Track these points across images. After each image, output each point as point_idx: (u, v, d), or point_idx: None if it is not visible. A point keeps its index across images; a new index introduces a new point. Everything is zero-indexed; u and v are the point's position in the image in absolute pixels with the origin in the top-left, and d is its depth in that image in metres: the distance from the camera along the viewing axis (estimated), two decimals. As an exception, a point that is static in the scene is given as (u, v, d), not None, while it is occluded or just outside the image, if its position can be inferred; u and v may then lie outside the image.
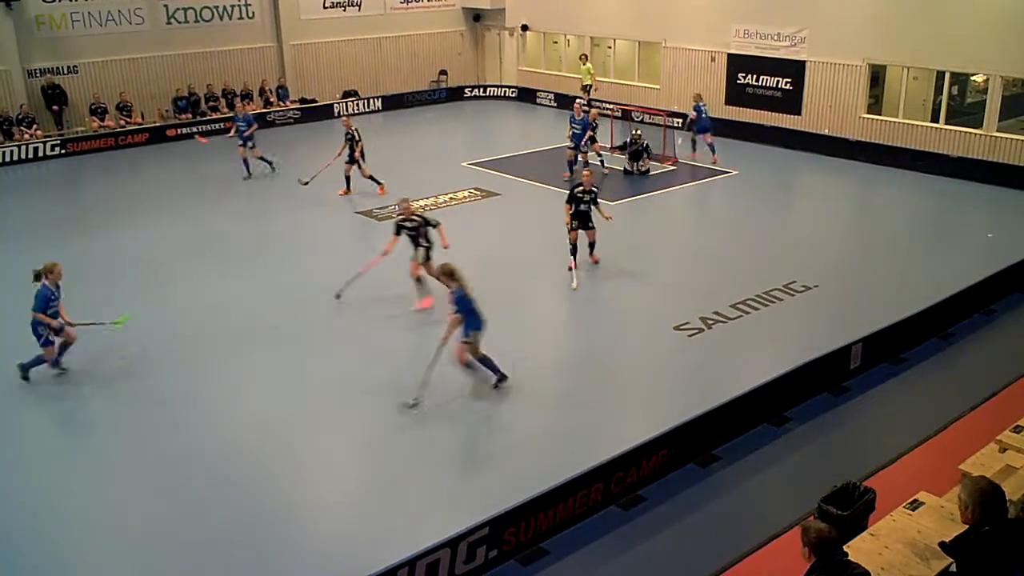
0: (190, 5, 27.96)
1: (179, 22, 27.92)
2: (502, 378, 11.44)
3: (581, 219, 15.30)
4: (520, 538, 8.36)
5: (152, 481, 9.71)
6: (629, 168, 22.19)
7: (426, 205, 19.52)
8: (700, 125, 22.94)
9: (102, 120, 26.32)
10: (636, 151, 22.10)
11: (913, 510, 7.12)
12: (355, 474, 10.06)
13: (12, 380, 11.87)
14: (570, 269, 15.12)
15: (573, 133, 21.20)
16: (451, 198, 20.16)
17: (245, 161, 21.91)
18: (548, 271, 15.49)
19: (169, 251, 17.10)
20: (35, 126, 25.48)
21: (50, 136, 25.57)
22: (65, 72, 26.36)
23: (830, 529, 5.58)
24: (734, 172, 22.06)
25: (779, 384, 10.64)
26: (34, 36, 25.71)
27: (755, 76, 25.91)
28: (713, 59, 26.78)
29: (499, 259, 15.85)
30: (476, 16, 34.22)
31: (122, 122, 26.72)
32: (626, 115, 26.07)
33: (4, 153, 24.43)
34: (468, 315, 11.06)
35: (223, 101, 28.58)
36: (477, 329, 11.15)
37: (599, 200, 15.41)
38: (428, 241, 13.89)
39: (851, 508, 7.52)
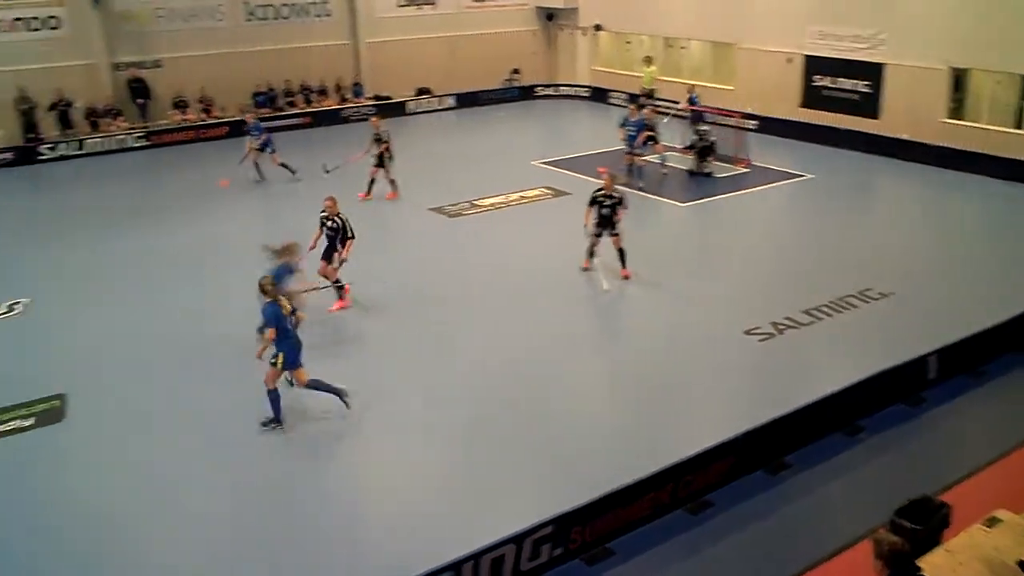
0: (269, 3, 28.63)
1: (259, 19, 28.60)
2: (341, 395, 10.85)
3: (604, 224, 14.93)
4: (586, 537, 8.39)
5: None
6: (695, 169, 22.03)
7: (496, 203, 19.70)
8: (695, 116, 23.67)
9: (184, 113, 27.07)
10: (703, 149, 21.92)
11: (990, 527, 6.97)
12: (424, 467, 10.19)
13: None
14: (585, 269, 15.11)
15: (628, 136, 20.93)
16: (521, 196, 20.26)
17: (257, 165, 21.96)
18: (619, 270, 15.46)
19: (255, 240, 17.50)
20: (120, 118, 26.30)
21: (134, 128, 26.37)
22: (149, 66, 27.17)
23: (903, 542, 5.51)
24: (809, 176, 21.73)
25: (852, 392, 10.48)
26: (120, 31, 26.57)
27: (832, 78, 25.48)
28: (789, 60, 26.41)
29: (566, 257, 15.85)
30: (549, 15, 34.26)
31: (203, 116, 27.43)
32: (697, 116, 25.82)
33: (92, 144, 25.30)
34: (278, 334, 10.31)
35: (300, 97, 29.15)
36: (283, 352, 10.37)
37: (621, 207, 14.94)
38: (341, 245, 13.73)
39: (925, 522, 7.39)
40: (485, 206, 19.55)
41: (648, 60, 28.89)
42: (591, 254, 15.14)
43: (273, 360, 10.40)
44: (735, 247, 17.26)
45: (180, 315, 14.10)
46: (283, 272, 11.84)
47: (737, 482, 9.43)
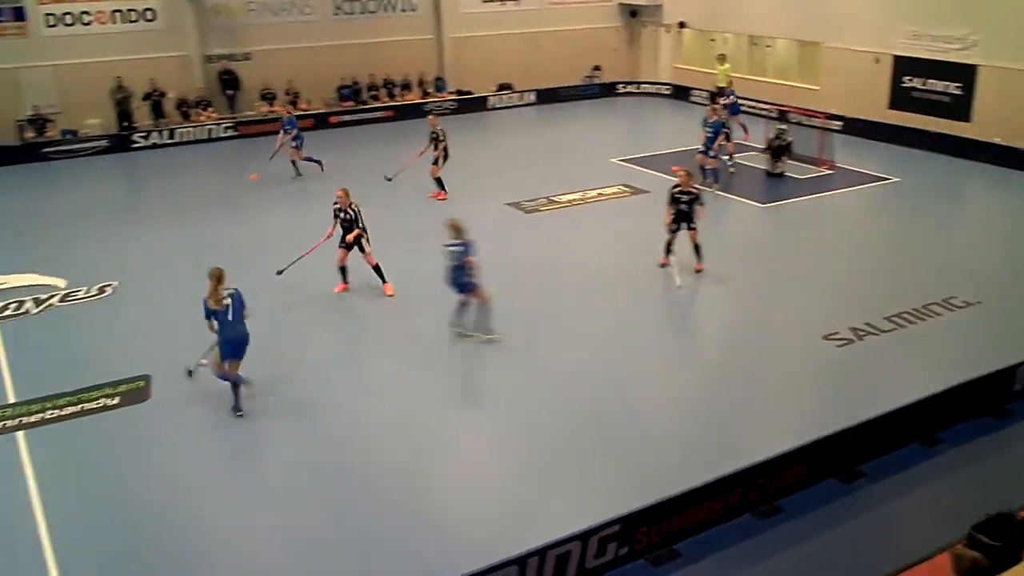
0: (357, -3, 29.14)
1: (346, 13, 29.09)
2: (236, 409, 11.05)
3: (681, 219, 15.00)
4: (653, 537, 8.39)
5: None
6: (770, 169, 21.74)
7: (573, 199, 19.71)
8: (734, 108, 24.14)
9: (271, 105, 27.67)
10: (779, 148, 21.60)
11: (1073, 546, 6.74)
12: (494, 460, 10.30)
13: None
14: (662, 265, 15.14)
15: (707, 137, 20.58)
16: (599, 193, 20.23)
17: (293, 163, 22.21)
18: (693, 264, 15.35)
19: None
20: (210, 109, 27.05)
21: (223, 119, 27.11)
22: (239, 59, 27.88)
23: (985, 558, 5.38)
24: (894, 179, 21.21)
25: (933, 402, 10.23)
26: (213, 23, 27.32)
27: (921, 79, 24.79)
28: (877, 60, 25.78)
29: (643, 255, 15.77)
30: (633, 12, 34.08)
31: (289, 108, 27.99)
32: (781, 115, 25.43)
33: (182, 133, 26.12)
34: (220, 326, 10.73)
35: (384, 91, 29.59)
36: (219, 345, 10.78)
37: (699, 203, 15.03)
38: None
39: (1005, 539, 7.19)
40: (562, 202, 19.58)
41: (721, 58, 28.49)
42: (668, 251, 15.16)
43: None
44: (815, 250, 16.94)
45: (266, 306, 14.42)
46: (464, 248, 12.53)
47: (809, 489, 9.30)
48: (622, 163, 22.95)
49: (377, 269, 14.61)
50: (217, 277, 10.70)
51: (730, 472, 8.72)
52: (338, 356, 12.86)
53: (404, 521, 8.99)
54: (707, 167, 20.43)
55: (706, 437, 10.48)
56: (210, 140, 26.44)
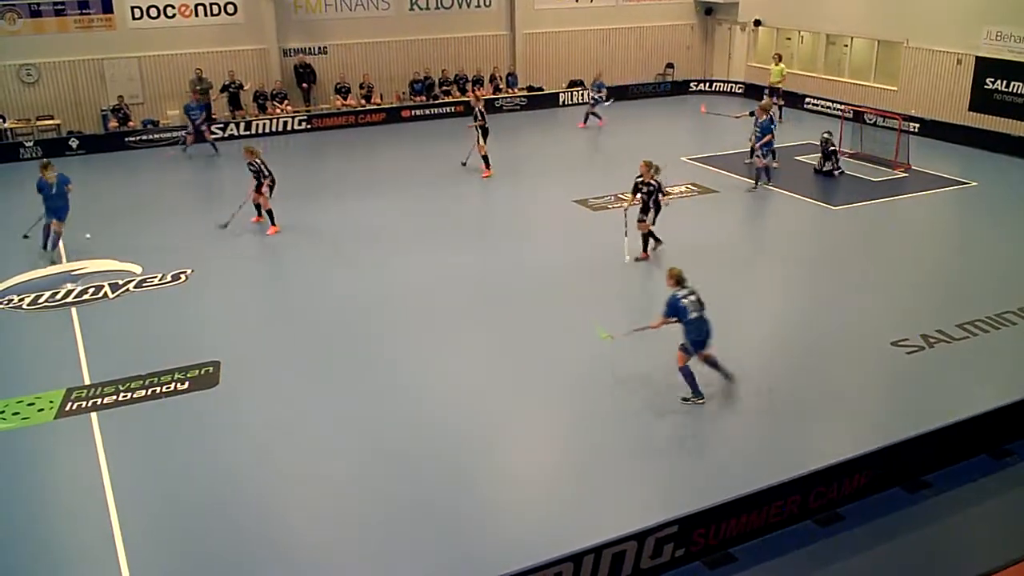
0: (432, -8, 29.43)
1: (421, 8, 29.38)
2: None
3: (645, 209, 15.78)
4: (709, 540, 8.38)
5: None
6: (818, 167, 21.73)
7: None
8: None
9: (345, 99, 28.14)
10: (827, 152, 21.56)
11: None
12: (556, 457, 10.38)
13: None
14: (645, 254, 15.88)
15: (756, 136, 20.62)
16: (667, 192, 20.06)
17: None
18: (762, 271, 15.23)
19: (406, 224, 18.27)
20: (286, 101, 27.60)
21: (299, 112, 27.65)
22: (316, 52, 28.38)
23: None
24: (973, 184, 20.69)
25: (1003, 413, 10.02)
26: (291, 18, 27.86)
27: (1005, 82, 24.11)
28: (959, 62, 25.14)
29: (713, 254, 15.69)
30: (708, 9, 33.76)
31: (362, 102, 28.47)
32: (857, 116, 24.95)
33: (259, 125, 26.71)
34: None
35: (455, 86, 29.83)
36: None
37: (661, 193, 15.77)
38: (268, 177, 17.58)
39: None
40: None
41: (777, 58, 28.09)
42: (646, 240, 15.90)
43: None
44: (887, 254, 16.63)
45: (336, 298, 14.74)
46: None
47: (871, 497, 9.20)
48: (692, 162, 22.78)
49: (270, 213, 17.69)
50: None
51: (789, 478, 8.67)
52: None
53: (455, 517, 9.13)
54: (757, 166, 20.45)
55: (771, 441, 10.39)
56: (285, 132, 26.98)
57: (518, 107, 29.70)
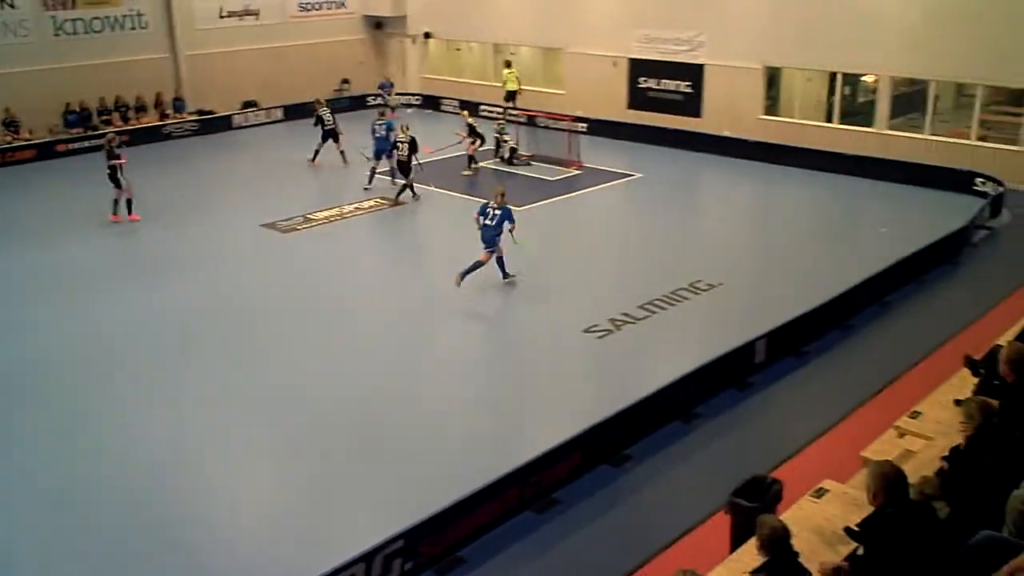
0: (79, 16, 26.94)
1: (68, 33, 26.83)
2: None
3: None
4: (436, 548, 8.25)
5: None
6: (505, 156, 23.43)
7: (330, 215, 19.26)
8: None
9: (-20, 135, 25.14)
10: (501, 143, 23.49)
11: (819, 498, 7.25)
12: (269, 486, 9.83)
13: None
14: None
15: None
16: (356, 208, 19.88)
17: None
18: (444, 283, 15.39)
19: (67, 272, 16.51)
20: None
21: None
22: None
23: (784, 527, 5.62)
24: (638, 175, 22.35)
25: (687, 381, 10.79)
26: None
27: (656, 80, 26.34)
28: (615, 64, 27.11)
29: (411, 268, 15.70)
30: (377, 24, 33.96)
31: (9, 138, 25.59)
32: (530, 120, 26.15)
33: None
34: None
35: (117, 115, 27.71)
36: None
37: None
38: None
39: (760, 499, 7.64)
40: (319, 219, 19.05)
41: (507, 64, 28.95)
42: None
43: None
44: (571, 247, 17.52)
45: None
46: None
47: (583, 477, 9.52)
48: (380, 175, 22.63)
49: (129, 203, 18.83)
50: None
51: (503, 473, 8.76)
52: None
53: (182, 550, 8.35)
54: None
55: (482, 439, 10.52)
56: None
57: (189, 133, 28.03)
